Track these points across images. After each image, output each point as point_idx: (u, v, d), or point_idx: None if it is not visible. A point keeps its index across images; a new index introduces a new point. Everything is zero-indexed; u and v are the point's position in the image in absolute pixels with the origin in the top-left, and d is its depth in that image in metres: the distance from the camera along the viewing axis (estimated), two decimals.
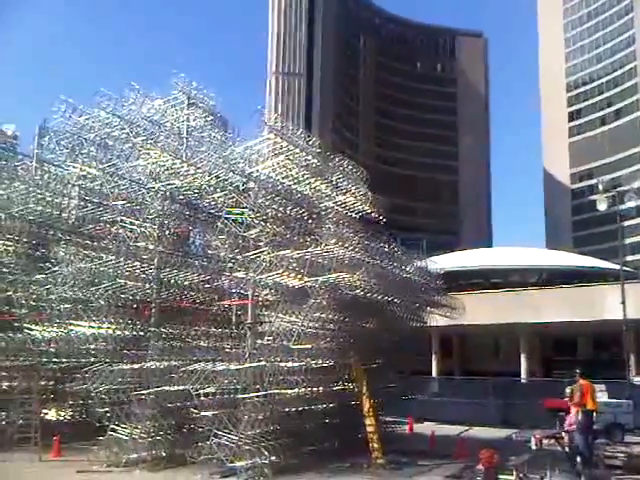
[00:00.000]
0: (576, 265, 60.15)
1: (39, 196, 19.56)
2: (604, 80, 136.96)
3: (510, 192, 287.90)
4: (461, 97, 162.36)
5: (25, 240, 20.17)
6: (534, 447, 15.85)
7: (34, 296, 18.98)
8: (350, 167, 21.00)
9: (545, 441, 16.20)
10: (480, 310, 36.89)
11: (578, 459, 15.49)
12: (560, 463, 15.65)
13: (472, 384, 35.49)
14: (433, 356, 46.35)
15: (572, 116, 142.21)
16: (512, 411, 29.54)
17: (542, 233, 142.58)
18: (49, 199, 19.79)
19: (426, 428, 25.02)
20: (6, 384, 19.65)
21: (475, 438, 23.01)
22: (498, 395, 30.93)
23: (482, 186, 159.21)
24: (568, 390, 17.12)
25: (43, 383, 19.69)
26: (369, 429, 17.72)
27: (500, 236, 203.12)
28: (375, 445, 17.41)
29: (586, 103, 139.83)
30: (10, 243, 19.98)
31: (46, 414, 19.86)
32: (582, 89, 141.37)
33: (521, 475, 14.83)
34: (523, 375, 42.58)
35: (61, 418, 20.54)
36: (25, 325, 18.71)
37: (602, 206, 38.53)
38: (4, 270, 20.20)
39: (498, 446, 15.93)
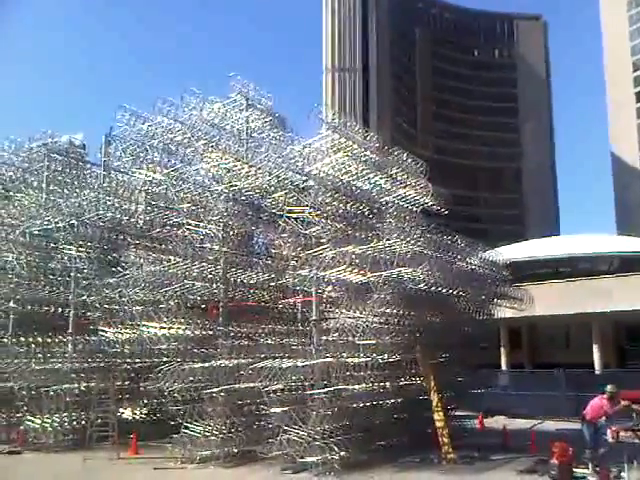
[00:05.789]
0: None
1: (108, 202, 20.23)
2: None
3: (577, 178, 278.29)
4: (521, 82, 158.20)
5: (97, 245, 20.90)
6: (610, 440, 15.39)
7: (107, 299, 19.67)
8: (409, 160, 20.86)
9: (622, 433, 15.71)
10: (549, 300, 35.97)
11: None
12: (638, 456, 15.13)
13: (543, 376, 34.62)
14: (502, 349, 45.54)
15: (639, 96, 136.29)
16: (585, 403, 28.65)
17: (612, 219, 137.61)
18: (117, 205, 20.43)
19: (497, 422, 24.61)
20: (84, 385, 20.39)
21: (548, 431, 22.50)
22: (571, 387, 30.04)
23: (546, 173, 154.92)
24: None
25: (119, 383, 20.39)
26: (438, 424, 17.56)
27: (568, 224, 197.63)
28: (444, 440, 17.24)
29: None
30: (83, 249, 20.75)
31: (122, 413, 20.53)
32: None
33: (597, 469, 14.45)
34: (596, 366, 41.26)
35: (136, 417, 21.22)
36: (100, 328, 19.45)
37: None
38: (78, 275, 21.04)
39: (572, 439, 15.53)
